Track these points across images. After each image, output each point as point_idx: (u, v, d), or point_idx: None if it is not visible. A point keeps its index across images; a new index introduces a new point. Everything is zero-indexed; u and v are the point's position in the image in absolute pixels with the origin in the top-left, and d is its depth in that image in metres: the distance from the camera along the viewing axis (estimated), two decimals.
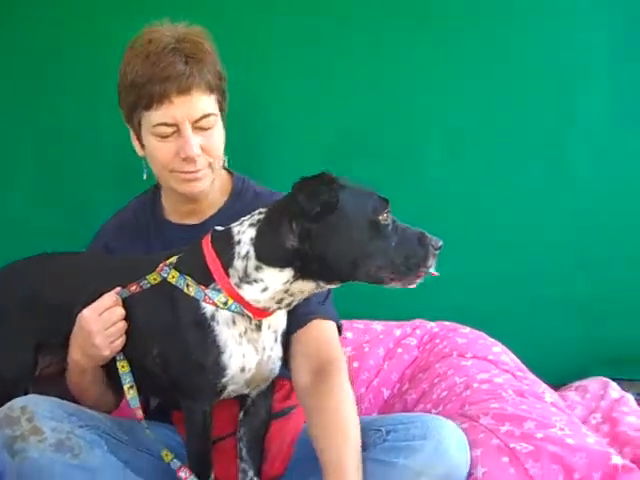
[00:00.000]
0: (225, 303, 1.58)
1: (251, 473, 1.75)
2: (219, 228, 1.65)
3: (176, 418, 1.85)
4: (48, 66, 2.65)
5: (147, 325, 1.67)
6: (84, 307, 1.68)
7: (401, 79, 2.65)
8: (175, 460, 1.65)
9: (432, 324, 2.39)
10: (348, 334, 2.37)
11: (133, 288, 1.66)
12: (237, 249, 1.59)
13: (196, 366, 1.61)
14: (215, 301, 1.58)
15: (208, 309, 1.59)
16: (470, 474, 1.62)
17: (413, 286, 1.54)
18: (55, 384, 1.79)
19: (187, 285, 1.60)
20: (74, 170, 2.66)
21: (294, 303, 1.62)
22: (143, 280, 1.65)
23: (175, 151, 1.76)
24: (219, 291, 1.58)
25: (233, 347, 1.60)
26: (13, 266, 1.87)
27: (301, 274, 1.55)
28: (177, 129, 1.75)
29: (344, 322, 2.27)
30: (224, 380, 1.61)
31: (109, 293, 1.68)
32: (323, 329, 1.78)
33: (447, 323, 2.37)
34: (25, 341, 1.76)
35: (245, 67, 2.52)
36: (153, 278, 1.65)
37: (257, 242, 1.57)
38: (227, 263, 1.59)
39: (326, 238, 1.52)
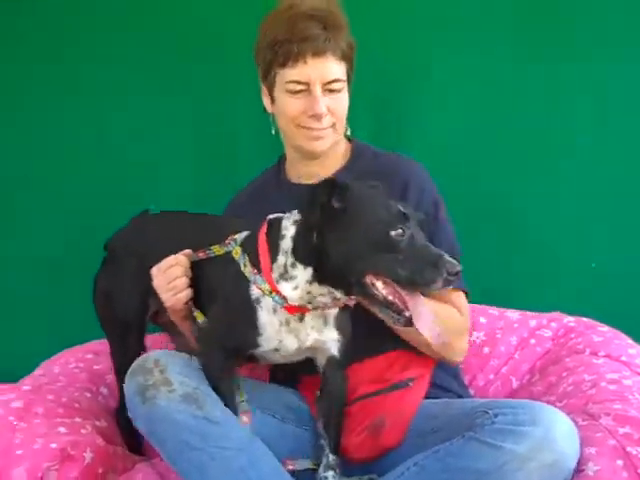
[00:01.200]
0: (270, 292, 1.68)
1: (327, 450, 1.80)
2: (272, 217, 1.73)
3: (303, 383, 1.96)
4: None
5: (212, 284, 1.80)
6: None
7: None
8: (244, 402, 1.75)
9: (570, 318, 2.33)
10: (482, 319, 2.36)
11: (201, 254, 1.81)
12: (282, 244, 1.69)
13: (231, 325, 1.73)
14: (262, 287, 1.69)
15: (255, 292, 1.70)
16: (581, 470, 1.61)
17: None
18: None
19: (244, 265, 1.72)
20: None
21: (325, 308, 1.69)
22: (209, 249, 1.79)
23: (303, 108, 1.93)
24: (264, 281, 1.68)
25: (271, 333, 1.70)
26: (138, 219, 2.08)
27: (317, 275, 1.63)
28: (308, 88, 1.91)
29: (479, 307, 2.33)
30: (254, 350, 1.73)
31: (177, 254, 1.83)
32: (454, 299, 1.89)
33: (585, 319, 2.31)
34: (137, 286, 1.95)
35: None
36: (217, 250, 1.78)
37: (295, 239, 1.67)
38: (273, 257, 1.69)
39: (333, 241, 1.59)
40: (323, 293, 1.66)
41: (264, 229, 1.73)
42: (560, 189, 2.51)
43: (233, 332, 1.73)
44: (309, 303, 1.68)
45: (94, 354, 2.33)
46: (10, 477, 1.71)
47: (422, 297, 1.59)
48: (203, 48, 2.60)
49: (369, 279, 1.58)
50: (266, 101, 2.05)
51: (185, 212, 2.04)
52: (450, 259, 1.52)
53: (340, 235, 1.60)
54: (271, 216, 1.76)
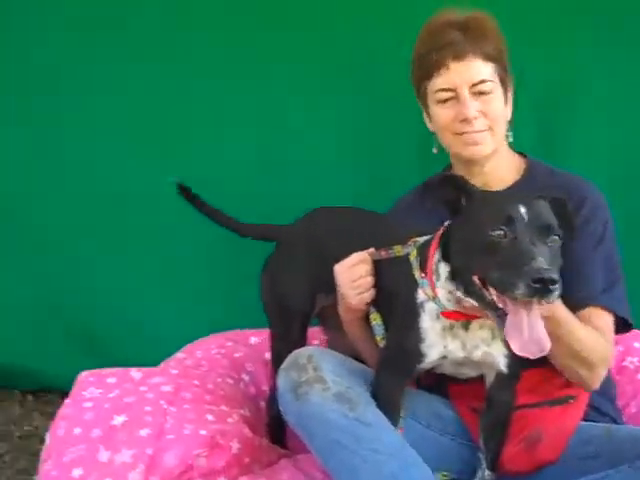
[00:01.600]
0: (433, 297, 1.62)
1: (484, 464, 1.75)
2: (449, 222, 1.66)
3: (452, 392, 1.90)
4: None
5: (387, 285, 1.77)
6: None
7: None
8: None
9: None
10: (636, 344, 2.26)
11: (383, 253, 1.77)
12: (441, 247, 1.64)
13: (397, 342, 1.69)
14: (427, 292, 1.64)
15: (421, 296, 1.65)
16: None
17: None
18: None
19: (415, 268, 1.67)
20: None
21: (482, 315, 1.59)
22: (391, 249, 1.75)
23: (454, 115, 1.88)
24: (429, 285, 1.63)
25: (434, 338, 1.64)
26: (314, 213, 2.05)
27: (452, 273, 1.58)
28: (456, 94, 1.87)
29: (634, 331, 2.19)
30: (420, 366, 1.66)
31: (361, 252, 1.80)
32: (599, 318, 1.78)
33: None
34: (306, 281, 1.93)
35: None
36: (398, 250, 1.74)
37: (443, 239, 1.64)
38: (436, 263, 1.64)
39: (454, 237, 1.58)
40: (460, 300, 1.60)
41: (439, 234, 1.68)
42: None
43: (400, 340, 1.69)
44: (458, 304, 1.61)
45: (234, 342, 2.33)
46: (162, 460, 1.73)
47: (531, 305, 1.47)
48: (368, 55, 2.57)
49: (477, 279, 1.51)
50: (427, 120, 2.02)
51: (359, 209, 2.01)
52: (541, 266, 1.40)
53: (457, 232, 1.58)
54: (448, 222, 1.69)
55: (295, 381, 1.65)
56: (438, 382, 1.90)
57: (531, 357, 1.47)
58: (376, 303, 1.81)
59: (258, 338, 2.33)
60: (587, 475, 1.64)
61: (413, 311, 1.67)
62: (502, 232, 1.48)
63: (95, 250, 2.70)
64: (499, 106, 1.92)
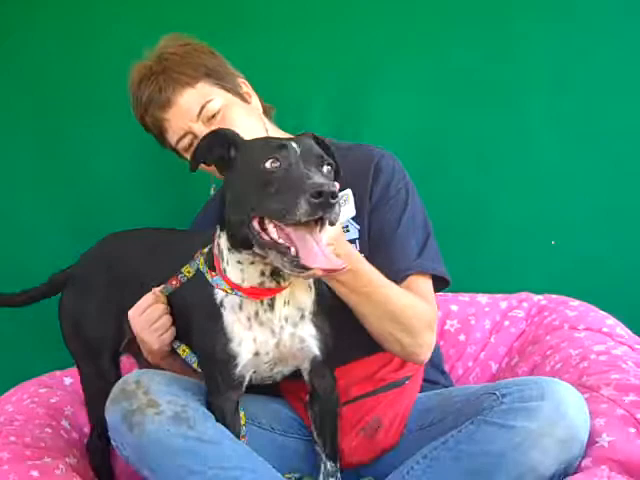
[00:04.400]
0: (231, 289, 1.55)
1: (324, 457, 1.73)
2: None
3: (283, 388, 1.87)
4: None
5: (186, 309, 1.67)
6: (153, 285, 1.72)
7: None
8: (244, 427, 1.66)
9: (539, 297, 2.33)
10: (453, 307, 2.34)
11: (174, 282, 1.68)
12: (217, 229, 1.59)
13: (208, 356, 1.60)
14: (222, 286, 1.57)
15: (219, 295, 1.59)
16: (594, 442, 1.58)
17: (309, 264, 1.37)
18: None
19: (206, 272, 1.60)
20: None
21: (282, 278, 1.54)
22: (179, 273, 1.67)
23: None
24: (222, 279, 1.57)
25: (241, 332, 1.57)
26: (104, 242, 1.94)
27: (230, 239, 1.52)
28: (192, 134, 1.86)
29: (449, 295, 2.29)
30: (237, 370, 1.58)
31: (151, 291, 1.70)
32: (419, 285, 1.78)
33: (555, 296, 2.31)
34: (110, 310, 1.82)
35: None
36: (187, 271, 1.66)
37: (218, 211, 1.57)
38: (219, 248, 1.58)
39: (227, 191, 1.52)
40: (243, 260, 1.52)
41: (216, 232, 1.61)
42: (518, 173, 2.50)
43: (209, 350, 1.59)
44: (262, 276, 1.53)
45: (47, 387, 2.13)
46: None
47: (315, 229, 1.39)
48: None
49: (256, 224, 1.43)
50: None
51: (149, 229, 1.92)
52: (319, 181, 1.35)
53: (230, 184, 1.52)
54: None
55: (127, 410, 1.54)
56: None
57: (337, 269, 1.38)
58: (178, 335, 1.73)
59: (72, 378, 2.16)
60: (431, 442, 1.65)
61: (214, 314, 1.58)
62: (276, 161, 1.42)
63: None
64: (238, 114, 1.89)
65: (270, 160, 1.42)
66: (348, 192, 1.78)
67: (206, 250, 1.63)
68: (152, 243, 1.85)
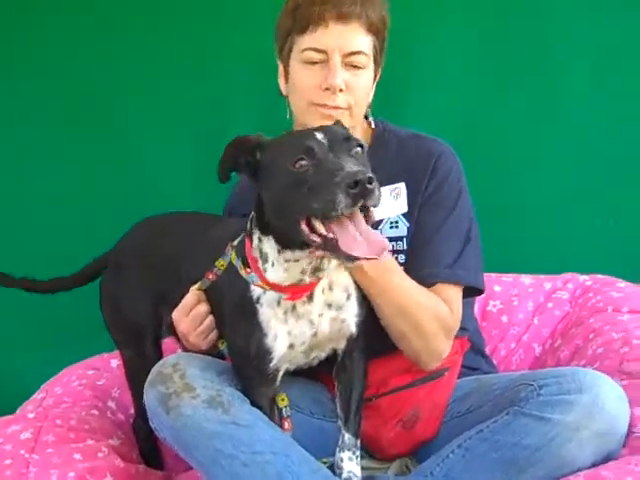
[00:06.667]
0: (268, 287, 1.54)
1: (343, 429, 1.71)
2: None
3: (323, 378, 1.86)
4: None
5: (217, 307, 1.67)
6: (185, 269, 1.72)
7: None
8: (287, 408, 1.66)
9: (585, 277, 2.28)
10: (496, 287, 2.30)
11: (210, 277, 1.67)
12: (253, 227, 1.56)
13: (240, 350, 1.60)
14: (258, 284, 1.55)
15: (256, 292, 1.57)
16: (631, 432, 1.55)
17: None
18: None
19: (240, 268, 1.58)
20: None
21: (322, 272, 1.52)
22: (214, 267, 1.65)
23: (318, 82, 1.72)
24: (258, 277, 1.55)
25: (276, 326, 1.56)
26: (140, 225, 1.96)
27: (278, 241, 1.50)
28: (326, 58, 1.71)
29: (492, 275, 2.25)
30: (272, 364, 1.58)
31: (191, 291, 1.68)
32: (445, 293, 1.73)
33: (601, 276, 2.26)
34: (146, 294, 1.84)
35: None
36: (221, 264, 1.64)
37: (256, 214, 1.55)
38: (258, 248, 1.55)
39: (264, 197, 1.49)
40: (297, 258, 1.50)
41: (250, 218, 1.60)
42: (560, 151, 2.45)
43: (243, 345, 1.59)
44: (302, 274, 1.52)
45: (95, 369, 2.20)
46: None
47: (355, 215, 1.36)
48: None
49: (304, 226, 1.40)
50: (281, 82, 1.84)
51: (182, 213, 1.94)
52: (352, 169, 1.31)
53: (264, 190, 1.49)
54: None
55: (163, 394, 1.57)
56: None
57: (377, 257, 1.35)
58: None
59: (119, 360, 2.19)
60: (468, 430, 1.64)
61: (248, 309, 1.58)
62: (304, 161, 1.39)
63: None
64: (367, 84, 1.78)
65: (299, 161, 1.40)
66: (401, 186, 1.76)
67: (236, 243, 1.64)
68: (186, 227, 1.86)
